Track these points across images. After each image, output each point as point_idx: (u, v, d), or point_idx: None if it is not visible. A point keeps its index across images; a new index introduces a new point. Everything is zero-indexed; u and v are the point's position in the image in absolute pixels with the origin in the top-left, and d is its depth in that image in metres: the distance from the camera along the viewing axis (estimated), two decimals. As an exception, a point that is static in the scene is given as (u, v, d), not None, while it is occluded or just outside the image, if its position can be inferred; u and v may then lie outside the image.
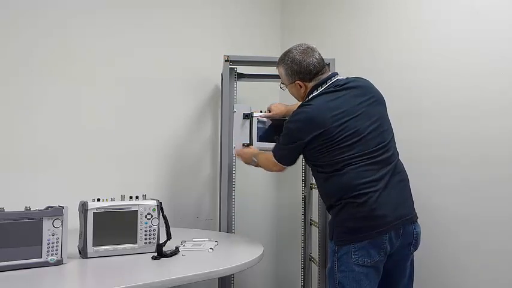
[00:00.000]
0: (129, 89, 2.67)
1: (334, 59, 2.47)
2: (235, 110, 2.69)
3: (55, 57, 2.43)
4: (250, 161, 2.30)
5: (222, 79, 2.69)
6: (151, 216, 1.86)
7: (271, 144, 2.16)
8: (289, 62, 2.02)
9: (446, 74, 2.21)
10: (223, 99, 2.66)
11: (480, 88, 2.07)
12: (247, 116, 2.53)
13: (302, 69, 2.01)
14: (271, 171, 2.21)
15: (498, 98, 2.00)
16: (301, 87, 2.03)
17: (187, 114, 2.89)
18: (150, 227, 1.86)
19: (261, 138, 2.42)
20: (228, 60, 2.58)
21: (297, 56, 2.01)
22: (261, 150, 2.35)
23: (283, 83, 2.12)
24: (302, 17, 3.10)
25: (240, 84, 2.77)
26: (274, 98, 3.12)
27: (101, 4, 2.58)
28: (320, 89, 1.98)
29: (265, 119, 2.46)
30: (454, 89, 2.18)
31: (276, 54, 3.10)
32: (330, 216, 1.99)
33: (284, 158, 2.06)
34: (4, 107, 2.30)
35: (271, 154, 2.10)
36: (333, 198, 1.90)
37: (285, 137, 2.01)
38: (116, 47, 2.62)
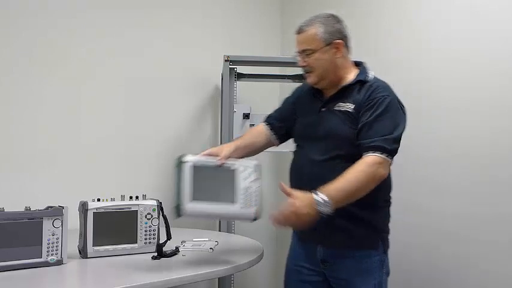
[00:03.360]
0: (129, 89, 2.67)
1: (334, 59, 2.47)
2: (235, 110, 2.69)
3: (55, 58, 2.43)
4: (317, 216, 1.54)
5: (222, 79, 2.69)
6: (152, 216, 1.86)
7: (211, 207, 1.63)
8: (327, 19, 1.74)
9: (446, 74, 2.21)
10: (223, 99, 2.66)
11: (480, 88, 2.07)
12: (247, 117, 2.52)
13: (342, 29, 1.76)
14: (374, 185, 1.61)
15: (498, 98, 2.00)
16: (338, 50, 1.73)
17: (187, 114, 2.89)
18: (150, 227, 1.84)
19: (196, 197, 1.63)
20: (228, 60, 2.59)
21: (333, 16, 1.77)
22: (192, 213, 1.62)
23: (307, 50, 1.74)
24: (302, 17, 3.09)
25: (240, 84, 2.77)
26: (274, 98, 3.12)
27: (101, 4, 2.58)
28: (372, 73, 1.78)
29: (209, 162, 1.69)
30: (454, 89, 2.17)
31: (276, 54, 3.12)
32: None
33: (398, 148, 1.65)
34: (4, 107, 2.30)
35: (371, 160, 1.60)
36: (384, 197, 1.76)
37: (397, 115, 1.67)
38: (115, 47, 2.62)
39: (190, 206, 1.61)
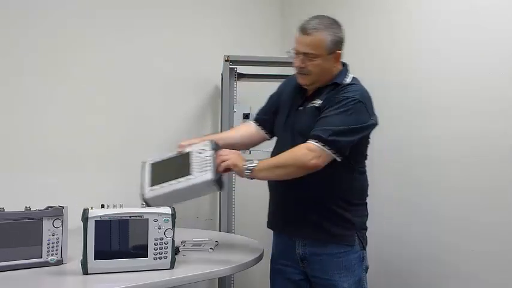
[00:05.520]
0: (129, 88, 2.67)
1: (334, 59, 2.47)
2: (235, 110, 2.69)
3: (55, 58, 2.43)
4: (242, 168, 1.69)
5: (222, 79, 2.69)
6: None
7: (168, 185, 1.68)
8: (334, 27, 1.76)
9: (446, 75, 2.21)
10: (223, 99, 2.66)
11: (480, 88, 2.07)
12: (247, 117, 2.52)
13: (344, 39, 1.79)
14: (301, 172, 1.66)
15: (498, 98, 2.00)
16: (337, 60, 1.79)
17: (187, 114, 2.89)
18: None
19: (154, 182, 1.72)
20: (228, 60, 2.59)
21: (337, 23, 1.79)
22: (154, 197, 1.69)
23: (310, 54, 1.74)
24: (302, 17, 3.09)
25: (240, 84, 2.77)
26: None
27: (101, 4, 2.57)
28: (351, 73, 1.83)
29: (162, 159, 1.83)
30: (454, 89, 2.17)
31: (276, 54, 3.11)
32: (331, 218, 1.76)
33: (344, 144, 1.66)
34: (4, 107, 2.30)
35: (304, 145, 1.65)
36: (359, 195, 1.81)
37: (353, 115, 1.67)
38: (115, 47, 2.61)
39: (149, 189, 1.70)
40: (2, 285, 1.48)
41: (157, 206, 1.64)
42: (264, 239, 2.13)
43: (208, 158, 1.71)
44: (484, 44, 2.05)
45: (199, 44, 2.91)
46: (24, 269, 1.59)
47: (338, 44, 1.76)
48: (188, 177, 1.68)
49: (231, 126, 2.64)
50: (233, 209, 2.74)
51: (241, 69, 2.71)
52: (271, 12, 3.24)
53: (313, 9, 3.00)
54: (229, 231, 2.65)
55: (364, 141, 1.80)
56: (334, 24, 1.78)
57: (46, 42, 2.40)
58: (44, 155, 2.38)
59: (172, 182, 1.69)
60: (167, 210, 1.62)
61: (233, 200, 2.75)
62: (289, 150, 1.68)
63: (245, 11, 3.12)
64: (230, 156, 1.71)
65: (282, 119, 1.89)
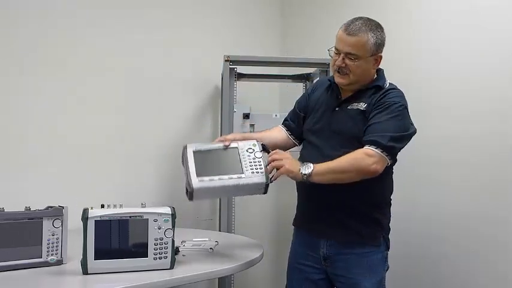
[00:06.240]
0: (129, 89, 2.67)
1: (334, 59, 2.47)
2: (235, 110, 2.69)
3: (55, 58, 2.43)
4: (299, 175, 1.65)
5: (222, 79, 2.69)
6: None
7: (219, 179, 1.66)
8: (378, 30, 1.77)
9: (447, 75, 2.21)
10: (223, 99, 2.66)
11: (480, 89, 2.07)
12: (247, 117, 2.52)
13: (384, 43, 1.80)
14: (360, 177, 1.66)
15: (499, 98, 2.00)
16: (377, 62, 1.80)
17: (187, 114, 2.89)
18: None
19: (202, 173, 1.68)
20: (228, 60, 2.59)
21: (380, 27, 1.80)
22: (202, 188, 1.64)
23: (352, 54, 1.73)
24: (302, 17, 3.10)
25: (240, 84, 2.77)
26: (274, 98, 3.13)
27: (101, 4, 2.57)
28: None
29: (206, 149, 1.77)
30: (454, 89, 2.17)
31: (276, 54, 3.12)
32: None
33: (398, 150, 1.71)
34: (4, 107, 2.30)
35: (362, 151, 1.66)
36: (387, 197, 1.84)
37: (403, 120, 1.71)
38: (115, 47, 2.62)
39: (198, 180, 1.65)
40: (2, 285, 1.48)
41: (200, 198, 1.66)
42: (264, 239, 2.13)
43: (259, 159, 1.72)
44: (484, 44, 2.05)
45: (199, 44, 2.91)
46: (24, 269, 1.59)
47: (380, 46, 1.77)
48: (240, 175, 1.68)
49: (231, 126, 2.64)
50: (233, 209, 2.75)
51: (241, 69, 2.71)
52: (271, 12, 3.24)
53: (313, 9, 3.02)
54: (229, 231, 2.65)
55: None
56: (379, 27, 1.79)
57: (46, 42, 2.40)
58: (44, 155, 2.38)
59: (224, 177, 1.67)
60: (167, 210, 1.63)
61: (233, 200, 2.75)
62: (347, 155, 1.66)
63: (245, 11, 3.12)
64: (285, 162, 1.67)
65: (314, 120, 1.89)
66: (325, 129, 1.82)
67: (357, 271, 1.74)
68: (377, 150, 1.65)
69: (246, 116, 2.63)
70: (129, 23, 2.66)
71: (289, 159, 1.69)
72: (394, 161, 1.77)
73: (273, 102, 3.11)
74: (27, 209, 1.65)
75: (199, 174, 1.67)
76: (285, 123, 2.03)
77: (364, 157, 1.64)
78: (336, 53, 1.78)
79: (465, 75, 2.13)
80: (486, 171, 2.03)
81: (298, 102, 2.03)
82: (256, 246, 2.02)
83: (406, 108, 1.75)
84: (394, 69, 2.44)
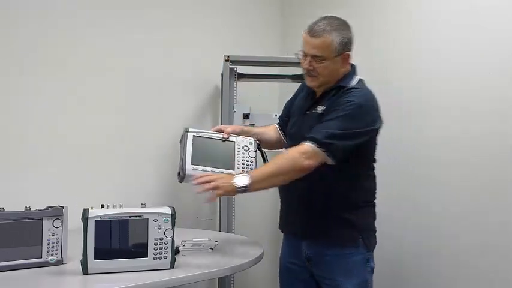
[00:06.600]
0: (129, 89, 2.67)
1: (334, 59, 2.47)
2: (235, 110, 2.70)
3: (55, 58, 2.43)
4: (235, 191, 1.64)
5: (222, 79, 2.69)
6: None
7: (212, 171, 1.72)
8: (342, 28, 1.73)
9: (447, 75, 2.21)
10: (223, 99, 2.66)
11: (481, 89, 2.07)
12: (247, 117, 2.53)
13: (353, 41, 1.75)
14: (297, 175, 1.65)
15: (499, 98, 2.00)
16: (345, 62, 1.76)
17: (187, 114, 2.89)
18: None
19: (197, 161, 1.76)
20: (228, 60, 2.59)
21: (346, 24, 1.76)
22: (193, 176, 1.69)
23: (318, 57, 1.72)
24: (302, 17, 3.09)
25: (240, 84, 2.77)
26: (274, 98, 3.13)
27: (101, 4, 2.57)
28: (358, 75, 1.81)
29: (205, 136, 1.84)
30: (454, 89, 2.17)
31: (276, 54, 3.12)
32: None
33: (339, 148, 1.63)
34: (4, 107, 2.30)
35: (295, 149, 1.65)
36: (365, 198, 1.80)
37: (352, 119, 1.65)
38: (115, 47, 2.62)
39: (192, 167, 1.74)
40: (2, 285, 1.48)
41: (189, 182, 1.70)
42: (264, 239, 2.13)
43: (251, 159, 1.82)
44: (484, 44, 2.05)
45: (199, 44, 2.91)
46: (24, 269, 1.59)
47: (346, 45, 1.74)
48: (231, 172, 1.76)
49: (231, 126, 2.64)
50: (233, 209, 2.75)
51: (241, 69, 2.71)
52: (271, 12, 3.24)
53: (313, 9, 3.01)
54: (229, 231, 2.65)
55: (369, 145, 1.78)
56: (343, 25, 1.76)
57: (46, 42, 2.40)
58: (44, 155, 2.38)
59: (216, 170, 1.75)
60: (167, 210, 1.63)
61: (233, 200, 2.75)
62: (282, 155, 1.69)
63: (245, 11, 3.12)
64: (218, 182, 1.62)
65: (290, 124, 1.91)
66: (297, 133, 1.82)
67: (338, 272, 1.74)
68: (312, 145, 1.63)
69: (246, 116, 2.63)
70: (129, 23, 2.66)
71: (222, 178, 1.65)
72: (357, 160, 1.72)
73: (273, 102, 3.11)
74: (27, 209, 1.65)
75: (194, 161, 1.75)
76: (279, 123, 2.06)
77: (297, 154, 1.63)
78: (303, 56, 1.77)
79: (465, 75, 2.12)
80: (486, 171, 2.03)
81: (284, 106, 2.05)
82: (256, 246, 2.02)
83: (363, 106, 1.69)
84: (394, 69, 2.45)
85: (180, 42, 2.84)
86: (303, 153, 1.63)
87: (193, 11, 2.91)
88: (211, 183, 1.62)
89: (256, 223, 3.05)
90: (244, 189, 1.63)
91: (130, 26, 2.66)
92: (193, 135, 1.81)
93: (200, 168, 1.73)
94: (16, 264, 1.59)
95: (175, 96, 2.84)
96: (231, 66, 2.62)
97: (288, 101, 2.03)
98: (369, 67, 2.53)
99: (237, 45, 3.00)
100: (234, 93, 2.71)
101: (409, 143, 2.33)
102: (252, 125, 2.70)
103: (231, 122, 2.65)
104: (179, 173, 1.76)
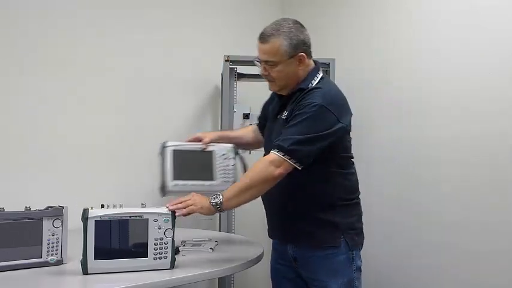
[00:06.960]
0: (129, 89, 2.67)
1: (334, 59, 2.47)
2: (235, 110, 2.70)
3: (55, 58, 2.43)
4: (211, 208, 1.63)
5: (222, 79, 2.69)
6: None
7: (191, 184, 1.79)
8: (291, 30, 1.69)
9: (446, 74, 2.21)
10: (223, 99, 2.66)
11: (481, 89, 2.07)
12: (247, 117, 2.53)
13: (306, 39, 1.72)
14: (269, 185, 1.64)
15: (499, 98, 2.00)
16: (301, 62, 1.72)
17: (187, 114, 2.89)
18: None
19: (178, 176, 1.80)
20: (228, 60, 2.59)
21: (297, 25, 1.72)
22: (175, 191, 1.77)
23: (269, 62, 1.71)
24: (302, 17, 3.09)
25: (240, 84, 2.77)
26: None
27: (101, 4, 2.57)
28: (321, 73, 1.77)
29: (184, 149, 1.88)
30: (454, 89, 2.18)
31: (276, 54, 3.11)
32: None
33: (305, 154, 1.61)
34: (4, 107, 2.30)
35: (264, 159, 1.66)
36: (344, 197, 1.76)
37: (313, 122, 1.62)
38: (115, 47, 2.61)
39: (173, 183, 1.79)
40: (2, 285, 1.48)
41: (171, 195, 1.74)
42: (264, 239, 2.13)
43: (231, 167, 1.87)
44: (484, 44, 2.06)
45: (199, 44, 2.91)
46: (24, 269, 1.59)
47: (298, 46, 1.70)
48: (212, 183, 1.83)
49: (231, 126, 2.64)
50: (233, 209, 2.74)
51: (241, 69, 2.71)
52: (271, 12, 3.24)
53: (313, 9, 3.02)
54: (229, 231, 2.65)
55: (341, 144, 1.74)
56: (293, 26, 1.71)
57: (46, 42, 2.40)
58: (44, 155, 2.37)
59: (196, 183, 1.82)
60: (167, 210, 1.63)
61: (233, 200, 2.75)
62: (253, 168, 1.66)
63: (245, 11, 3.12)
64: (193, 201, 1.64)
65: (266, 126, 1.92)
66: (268, 139, 1.83)
67: (324, 273, 1.73)
68: (279, 154, 1.61)
69: (246, 116, 2.63)
70: (129, 23, 2.66)
71: (198, 197, 1.66)
72: (330, 161, 1.71)
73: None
74: (27, 209, 1.65)
75: (175, 176, 1.80)
76: (257, 122, 2.05)
77: (267, 165, 1.62)
78: (260, 63, 1.75)
79: (465, 75, 2.13)
80: (486, 171, 2.03)
81: (262, 107, 2.02)
82: (256, 246, 2.02)
83: (324, 106, 1.64)
84: (394, 69, 2.45)
85: (180, 42, 2.84)
86: (272, 162, 1.62)
87: (193, 11, 2.91)
88: (188, 207, 1.63)
89: (256, 223, 3.04)
90: (218, 205, 1.63)
91: (130, 26, 2.66)
92: (173, 149, 1.84)
93: (181, 183, 1.79)
94: (16, 264, 1.59)
95: (175, 96, 2.84)
96: (231, 66, 2.62)
97: (265, 103, 2.01)
98: (369, 67, 2.54)
99: (237, 45, 3.00)
100: (234, 93, 2.71)
101: (409, 143, 2.33)
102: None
103: (231, 122, 2.65)
104: (161, 188, 1.81)
